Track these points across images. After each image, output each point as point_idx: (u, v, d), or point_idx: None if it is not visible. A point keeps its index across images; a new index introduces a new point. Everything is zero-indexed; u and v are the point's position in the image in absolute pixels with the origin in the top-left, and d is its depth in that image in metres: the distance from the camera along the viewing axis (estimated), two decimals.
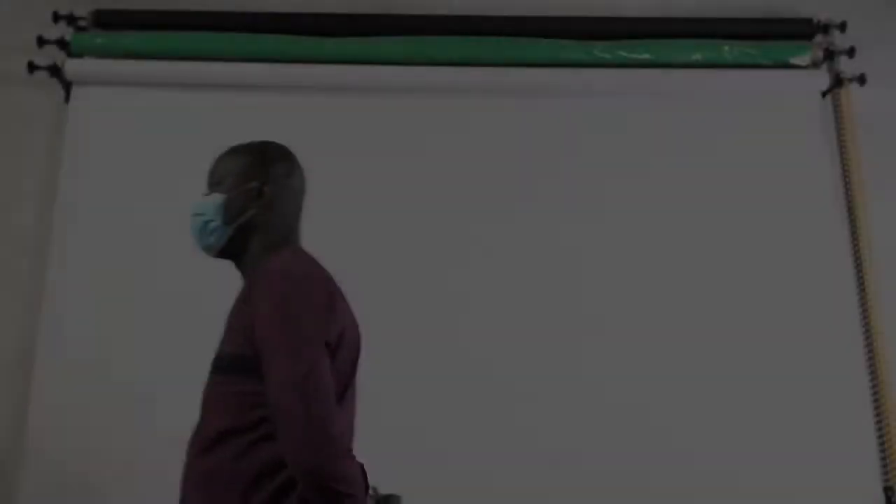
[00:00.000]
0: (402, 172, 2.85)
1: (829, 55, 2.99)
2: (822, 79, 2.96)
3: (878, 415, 2.66)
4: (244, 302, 1.56)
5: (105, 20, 3.02)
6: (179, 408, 2.61)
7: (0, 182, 2.93)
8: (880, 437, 2.64)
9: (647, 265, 2.78)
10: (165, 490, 2.57)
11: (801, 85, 2.98)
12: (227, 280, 2.73)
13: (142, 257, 2.78)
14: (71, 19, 3.01)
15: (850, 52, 2.98)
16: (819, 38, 3.03)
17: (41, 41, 2.97)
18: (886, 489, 2.59)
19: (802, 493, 2.57)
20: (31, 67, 2.95)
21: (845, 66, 2.99)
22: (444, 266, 2.78)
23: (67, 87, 2.96)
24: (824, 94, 2.98)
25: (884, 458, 2.62)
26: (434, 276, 2.77)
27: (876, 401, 2.67)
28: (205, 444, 1.52)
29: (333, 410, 1.46)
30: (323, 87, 2.95)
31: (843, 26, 3.00)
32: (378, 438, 2.58)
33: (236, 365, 1.53)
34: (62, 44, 2.97)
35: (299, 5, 3.08)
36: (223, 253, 1.68)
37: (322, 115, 2.92)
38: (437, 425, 2.62)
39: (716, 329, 2.72)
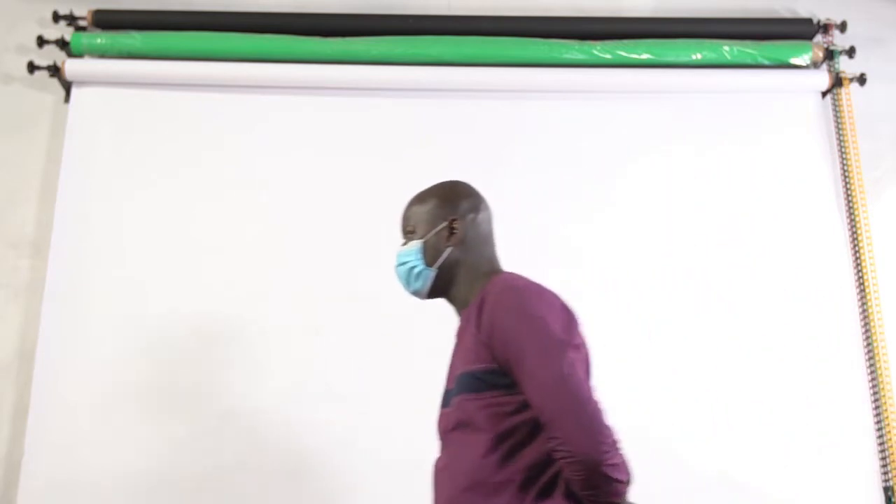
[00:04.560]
0: (401, 172, 2.84)
1: (829, 55, 3.00)
2: (822, 79, 2.96)
3: (878, 415, 2.66)
4: (475, 326, 1.63)
5: (105, 20, 3.01)
6: (179, 408, 2.64)
7: (0, 182, 2.93)
8: (880, 437, 2.64)
9: (646, 265, 2.78)
10: (165, 490, 2.59)
11: (801, 85, 2.99)
12: (227, 280, 2.74)
13: (142, 257, 2.77)
14: (71, 19, 3.01)
15: (850, 52, 2.99)
16: (819, 38, 3.04)
17: (41, 41, 2.98)
18: (886, 489, 2.59)
19: (802, 493, 2.57)
20: (31, 67, 2.95)
21: (845, 66, 2.99)
22: None
23: (67, 87, 2.96)
24: (824, 94, 2.99)
25: (884, 458, 2.62)
26: None
27: (876, 401, 2.67)
28: (477, 457, 1.57)
29: (598, 400, 1.57)
30: (323, 87, 2.95)
31: (843, 26, 3.01)
32: (374, 440, 2.61)
33: (481, 381, 1.61)
34: (62, 44, 2.97)
35: (299, 5, 3.08)
36: (433, 293, 1.79)
37: (322, 115, 2.93)
38: (435, 426, 2.61)
39: (715, 329, 2.72)
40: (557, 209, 2.84)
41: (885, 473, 2.61)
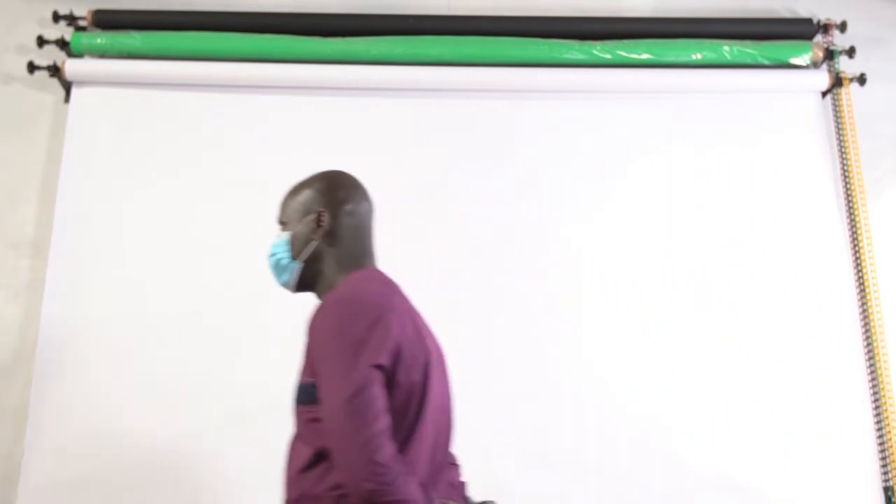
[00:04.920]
0: (401, 172, 2.85)
1: (829, 55, 3.00)
2: (822, 79, 2.96)
3: (878, 415, 2.66)
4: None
5: (105, 20, 3.01)
6: (179, 408, 2.64)
7: (0, 182, 2.93)
8: (880, 437, 2.64)
9: (646, 265, 2.78)
10: (165, 490, 2.59)
11: (801, 85, 2.99)
12: (227, 280, 2.74)
13: (142, 257, 2.78)
14: (71, 19, 3.01)
15: (850, 52, 2.99)
16: (819, 38, 3.04)
17: (41, 41, 2.98)
18: (886, 489, 2.59)
19: (802, 494, 2.57)
20: (31, 67, 2.95)
21: (845, 66, 2.99)
22: (443, 266, 2.77)
23: (67, 87, 2.96)
24: (824, 94, 2.99)
25: (884, 458, 2.62)
26: (433, 276, 2.76)
27: (876, 401, 2.67)
28: (296, 471, 1.58)
29: (382, 433, 1.47)
30: (323, 87, 2.95)
31: (843, 26, 3.01)
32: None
33: (306, 394, 1.59)
34: (62, 44, 2.98)
35: (299, 5, 3.08)
36: (301, 287, 1.73)
37: (322, 115, 2.93)
38: None
39: (715, 329, 2.72)
40: (557, 209, 2.84)
41: (885, 473, 2.61)
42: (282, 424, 2.66)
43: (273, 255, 1.72)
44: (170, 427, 2.62)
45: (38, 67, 2.95)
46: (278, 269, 1.72)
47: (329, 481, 1.51)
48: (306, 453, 1.55)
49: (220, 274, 2.75)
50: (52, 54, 2.98)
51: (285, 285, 1.74)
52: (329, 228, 1.69)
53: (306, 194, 1.73)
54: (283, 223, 1.74)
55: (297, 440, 1.61)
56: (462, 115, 2.93)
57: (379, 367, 1.51)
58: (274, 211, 2.87)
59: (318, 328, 1.58)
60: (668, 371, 2.68)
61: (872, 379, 2.69)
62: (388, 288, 1.67)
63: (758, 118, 2.94)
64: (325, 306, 1.60)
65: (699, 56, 2.95)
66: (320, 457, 1.53)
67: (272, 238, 1.74)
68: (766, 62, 2.96)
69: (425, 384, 1.60)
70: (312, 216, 1.70)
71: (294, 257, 1.70)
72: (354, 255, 1.72)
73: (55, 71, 2.94)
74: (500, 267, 2.77)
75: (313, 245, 1.69)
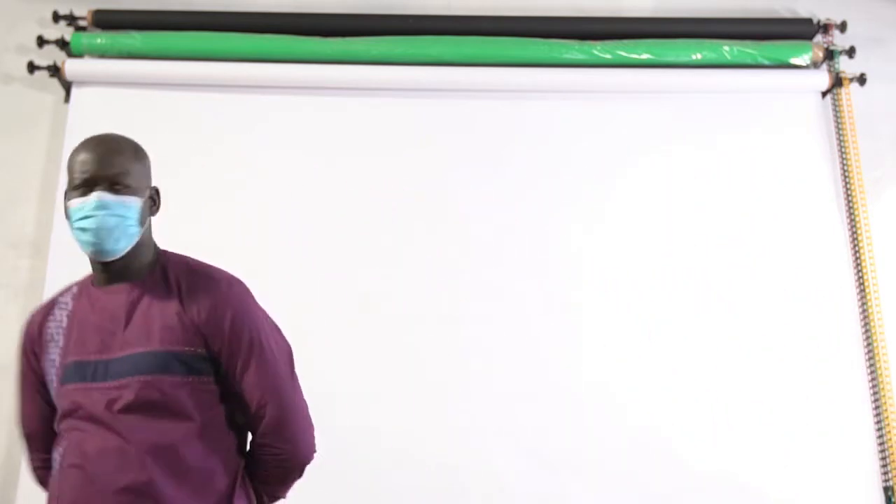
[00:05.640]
0: (401, 172, 2.85)
1: (829, 55, 3.00)
2: (822, 79, 2.96)
3: (877, 415, 2.66)
4: (180, 307, 1.60)
5: (105, 20, 3.01)
6: None
7: (0, 182, 2.93)
8: (880, 437, 2.64)
9: (646, 265, 2.78)
10: None
11: (801, 85, 2.99)
12: None
13: None
14: (71, 19, 3.01)
15: (850, 52, 2.99)
16: (819, 38, 3.04)
17: (41, 41, 2.98)
18: (886, 489, 2.59)
19: (802, 493, 2.57)
20: (31, 67, 2.95)
21: (845, 66, 2.99)
22: (443, 266, 2.77)
23: (67, 87, 2.96)
24: (824, 94, 2.99)
25: (884, 458, 2.62)
26: (433, 276, 2.77)
27: (876, 401, 2.67)
28: (187, 440, 1.55)
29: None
30: (323, 87, 2.95)
31: (843, 26, 3.01)
32: (376, 439, 2.60)
33: (187, 365, 1.57)
34: (62, 44, 2.98)
35: (299, 5, 3.08)
36: (122, 257, 1.65)
37: (322, 115, 2.93)
38: (436, 426, 2.62)
39: (715, 329, 2.72)
40: (557, 209, 2.84)
41: (885, 473, 2.61)
42: None
43: (121, 216, 1.60)
44: None
45: (38, 67, 2.95)
46: (122, 232, 1.60)
47: (219, 455, 1.58)
48: (192, 427, 1.54)
49: None
50: (52, 54, 2.98)
51: (113, 251, 1.62)
52: (158, 208, 1.73)
53: (146, 165, 1.72)
54: (127, 186, 1.62)
55: (149, 414, 1.53)
56: (462, 115, 2.93)
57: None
58: (274, 210, 2.89)
59: (237, 305, 1.62)
60: (668, 371, 2.68)
61: (872, 379, 2.69)
62: None
63: (758, 118, 2.94)
64: (231, 287, 1.66)
65: (699, 56, 2.96)
66: (206, 428, 1.56)
67: (106, 196, 1.59)
68: (766, 62, 2.96)
69: None
70: (151, 190, 1.70)
71: (141, 225, 1.64)
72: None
73: (55, 71, 2.94)
74: (500, 267, 2.77)
75: (149, 220, 1.70)
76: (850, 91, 2.96)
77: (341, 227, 2.81)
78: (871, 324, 2.73)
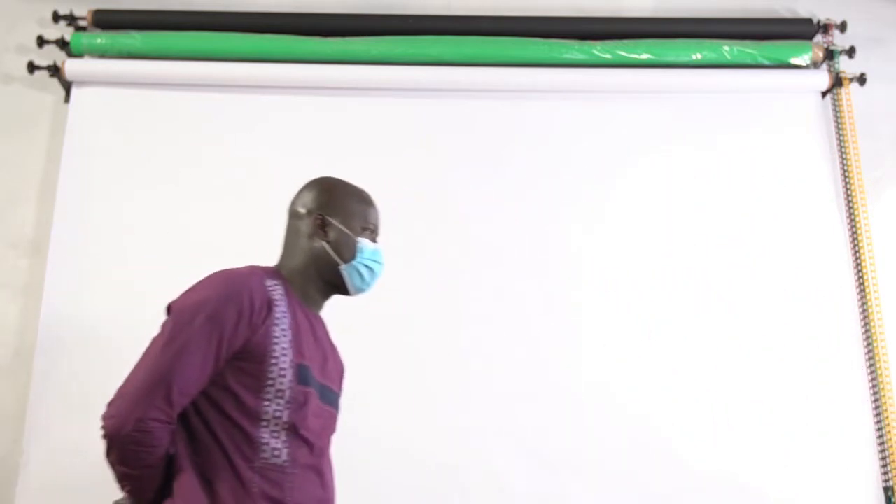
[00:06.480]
0: (401, 172, 2.85)
1: (829, 55, 3.00)
2: (822, 79, 2.96)
3: (878, 415, 2.66)
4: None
5: (105, 20, 3.01)
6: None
7: (0, 182, 2.93)
8: (880, 437, 2.64)
9: (646, 265, 2.78)
10: None
11: (801, 85, 2.99)
12: None
13: (141, 257, 2.77)
14: (71, 19, 3.01)
15: (850, 52, 2.99)
16: (819, 38, 3.04)
17: (41, 41, 2.98)
18: (886, 489, 2.59)
19: (802, 493, 2.57)
20: (31, 67, 2.95)
21: (845, 66, 2.99)
22: (443, 266, 2.77)
23: (67, 87, 2.96)
24: (824, 94, 2.99)
25: (884, 458, 2.62)
26: (433, 276, 2.77)
27: (876, 401, 2.67)
28: None
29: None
30: (323, 87, 2.95)
31: (843, 26, 3.01)
32: (375, 439, 2.60)
33: None
34: (62, 44, 2.98)
35: (299, 5, 3.08)
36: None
37: (322, 115, 2.93)
38: (436, 426, 2.62)
39: (715, 329, 2.72)
40: (557, 209, 2.84)
41: (885, 473, 2.61)
42: None
43: (382, 265, 1.83)
44: None
45: (38, 67, 2.95)
46: (377, 278, 1.81)
47: None
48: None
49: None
50: (52, 54, 2.98)
51: (366, 291, 1.82)
52: None
53: None
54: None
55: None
56: (462, 115, 2.93)
57: None
58: (274, 210, 2.88)
59: None
60: (668, 371, 2.67)
61: (872, 379, 2.69)
62: None
63: (758, 118, 2.94)
64: None
65: (699, 56, 2.95)
66: None
67: (378, 246, 1.84)
68: (766, 62, 2.96)
69: None
70: None
71: None
72: None
73: (55, 71, 2.94)
74: (500, 267, 2.77)
75: None
76: (850, 91, 2.96)
77: None
78: (871, 324, 2.73)
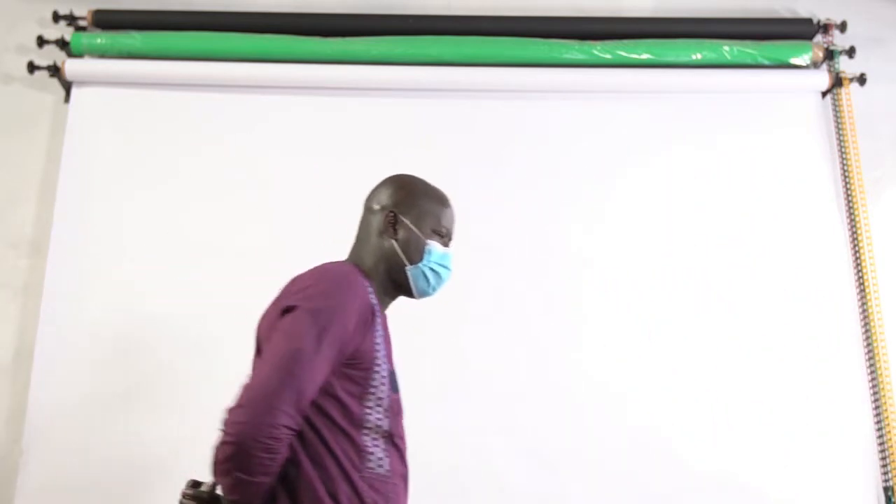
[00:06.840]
0: (401, 172, 2.84)
1: (829, 55, 3.00)
2: (822, 79, 2.96)
3: (878, 415, 2.66)
4: None
5: (105, 20, 3.01)
6: (179, 408, 2.64)
7: (0, 182, 2.93)
8: (880, 437, 2.64)
9: (646, 265, 2.78)
10: (164, 491, 2.58)
11: (801, 85, 2.99)
12: (227, 280, 2.74)
13: (141, 257, 2.77)
14: (71, 19, 3.01)
15: (850, 52, 2.99)
16: (819, 38, 3.04)
17: (41, 41, 2.98)
18: (886, 489, 2.59)
19: (802, 493, 2.57)
20: (31, 67, 2.95)
21: (845, 66, 2.99)
22: None
23: (67, 87, 2.96)
24: (824, 94, 2.98)
25: (884, 459, 2.62)
26: None
27: (876, 401, 2.67)
28: None
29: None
30: (323, 87, 2.95)
31: (843, 26, 3.01)
32: None
33: None
34: (62, 44, 2.98)
35: (299, 5, 3.08)
36: None
37: (322, 115, 2.93)
38: (436, 426, 2.61)
39: (715, 329, 2.72)
40: (557, 209, 2.84)
41: (885, 473, 2.61)
42: None
43: (450, 270, 1.80)
44: (169, 427, 2.61)
45: (38, 67, 2.95)
46: (443, 283, 1.80)
47: None
48: None
49: (221, 274, 2.75)
50: (52, 54, 2.98)
51: (431, 295, 1.81)
52: None
53: None
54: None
55: None
56: (462, 115, 2.93)
57: None
58: (274, 210, 2.89)
59: None
60: (668, 371, 2.67)
61: (872, 379, 2.69)
62: None
63: (758, 118, 2.94)
64: None
65: (699, 56, 2.95)
66: None
67: (448, 251, 1.81)
68: (766, 62, 2.96)
69: None
70: None
71: None
72: None
73: (55, 71, 2.94)
74: (500, 267, 2.77)
75: None
76: (850, 91, 2.96)
77: (341, 227, 2.79)
78: (871, 324, 2.73)
